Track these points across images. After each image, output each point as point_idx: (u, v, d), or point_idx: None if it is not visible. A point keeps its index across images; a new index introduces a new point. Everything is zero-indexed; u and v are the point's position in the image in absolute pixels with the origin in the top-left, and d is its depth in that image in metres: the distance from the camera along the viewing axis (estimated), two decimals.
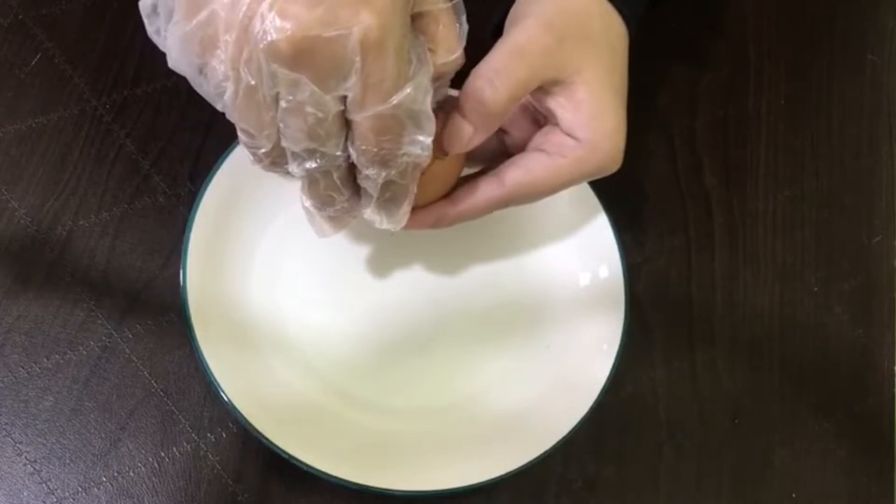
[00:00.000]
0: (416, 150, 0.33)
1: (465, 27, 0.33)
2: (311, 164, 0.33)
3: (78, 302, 0.44)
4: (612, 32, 0.40)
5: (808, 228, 0.56)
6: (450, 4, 0.32)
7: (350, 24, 0.28)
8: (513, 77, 0.36)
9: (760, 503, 0.49)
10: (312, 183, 0.35)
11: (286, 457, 0.40)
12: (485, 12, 0.45)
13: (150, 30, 0.32)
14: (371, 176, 0.34)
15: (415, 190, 0.36)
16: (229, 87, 0.30)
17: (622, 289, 0.47)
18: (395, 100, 0.30)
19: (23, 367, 0.43)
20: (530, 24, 0.37)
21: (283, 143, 0.32)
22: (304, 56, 0.28)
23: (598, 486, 0.47)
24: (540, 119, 0.41)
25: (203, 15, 0.29)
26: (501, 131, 0.42)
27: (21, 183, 0.46)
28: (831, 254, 0.56)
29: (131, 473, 0.42)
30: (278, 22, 0.28)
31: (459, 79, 0.36)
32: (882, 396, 0.54)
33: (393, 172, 0.33)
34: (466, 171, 0.41)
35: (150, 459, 0.42)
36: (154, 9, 0.31)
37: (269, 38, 0.28)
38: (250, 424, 0.40)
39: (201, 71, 0.31)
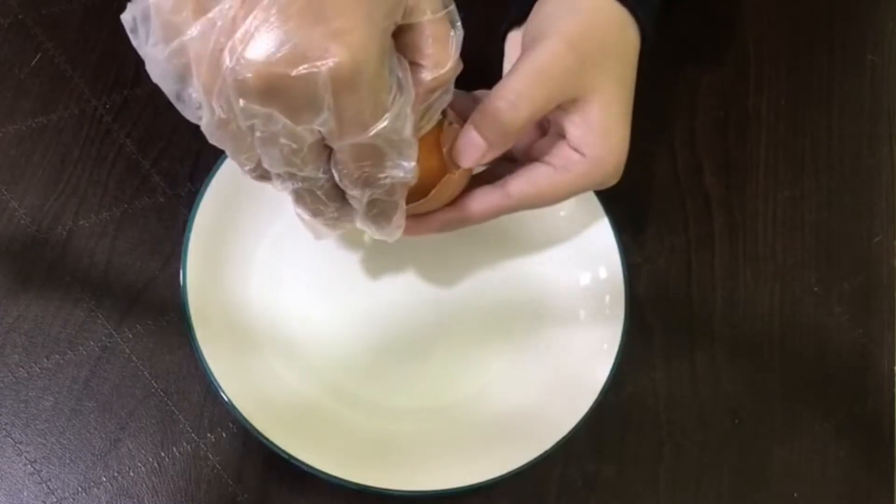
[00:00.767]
0: (399, 174, 0.32)
1: (461, 33, 0.32)
2: (294, 185, 0.33)
3: (78, 302, 0.44)
4: (628, 42, 0.40)
5: (808, 228, 0.56)
6: (440, 14, 0.31)
7: (319, 60, 0.27)
8: (534, 99, 0.36)
9: (760, 503, 0.49)
10: (299, 198, 0.34)
11: (286, 457, 0.40)
12: (483, 10, 0.45)
13: (135, 44, 0.32)
14: (355, 196, 0.33)
15: (404, 205, 0.35)
16: (204, 115, 0.30)
17: (622, 289, 0.47)
18: (372, 131, 0.29)
19: (23, 367, 0.43)
20: (554, 43, 0.37)
21: (264, 165, 0.32)
22: (274, 92, 0.27)
23: (598, 486, 0.47)
24: (545, 124, 0.41)
25: (175, 44, 0.29)
26: None
27: (21, 183, 0.46)
28: (831, 254, 0.56)
29: (131, 473, 0.42)
30: (246, 58, 0.27)
31: (460, 79, 0.36)
32: (882, 396, 0.54)
33: (378, 192, 0.33)
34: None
35: (150, 459, 0.42)
36: (135, 25, 0.31)
37: (237, 75, 0.27)
38: (250, 424, 0.40)
39: (178, 96, 0.31)
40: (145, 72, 0.31)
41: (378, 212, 0.35)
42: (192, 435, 0.43)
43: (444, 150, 0.37)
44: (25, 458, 0.41)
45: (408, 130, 0.31)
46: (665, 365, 0.50)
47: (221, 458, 0.43)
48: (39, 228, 0.45)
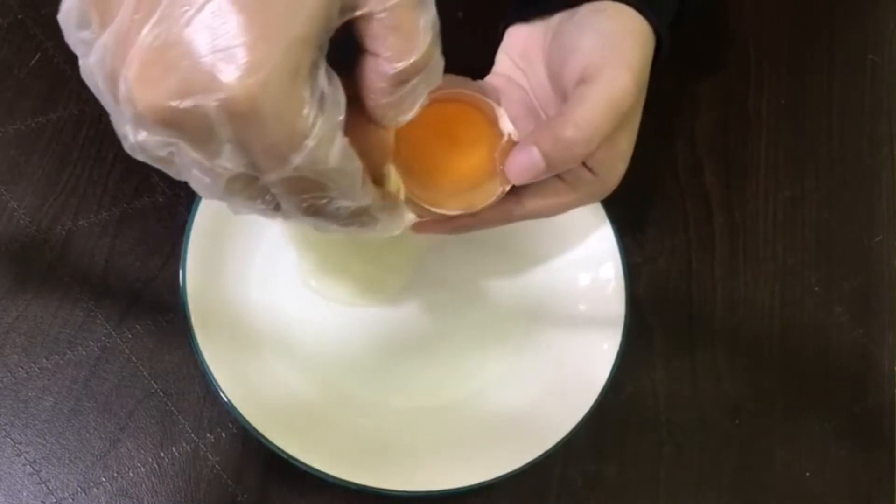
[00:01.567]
0: (347, 203, 0.28)
1: (431, 16, 0.27)
2: (245, 210, 0.29)
3: (77, 302, 0.44)
4: (651, 55, 0.39)
5: (809, 228, 0.56)
6: (395, 1, 0.26)
7: (209, 91, 0.23)
8: (605, 132, 0.36)
9: (760, 503, 0.49)
10: (263, 214, 0.30)
11: (286, 457, 0.40)
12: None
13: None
14: (316, 224, 0.29)
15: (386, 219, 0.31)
16: (123, 141, 0.27)
17: (622, 289, 0.47)
18: (295, 161, 0.25)
19: (22, 368, 0.43)
20: (625, 79, 0.36)
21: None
22: (171, 125, 0.24)
23: (598, 486, 0.47)
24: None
25: (81, 64, 0.26)
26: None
27: (21, 183, 0.46)
28: (831, 254, 0.56)
29: (131, 474, 0.42)
30: (135, 91, 0.24)
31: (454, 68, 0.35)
32: (882, 396, 0.54)
33: (336, 222, 0.29)
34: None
35: (150, 460, 0.42)
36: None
37: (131, 107, 0.24)
38: (250, 424, 0.40)
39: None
40: None
41: (360, 225, 0.31)
42: (192, 435, 0.43)
43: (500, 164, 0.38)
44: (25, 458, 0.41)
45: (335, 157, 0.26)
46: (665, 365, 0.50)
47: (221, 458, 0.43)
48: (39, 228, 0.45)
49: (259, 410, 0.41)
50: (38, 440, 0.42)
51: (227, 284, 0.44)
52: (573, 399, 0.45)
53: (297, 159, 0.25)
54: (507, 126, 0.38)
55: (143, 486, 0.42)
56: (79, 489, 0.41)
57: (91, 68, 0.25)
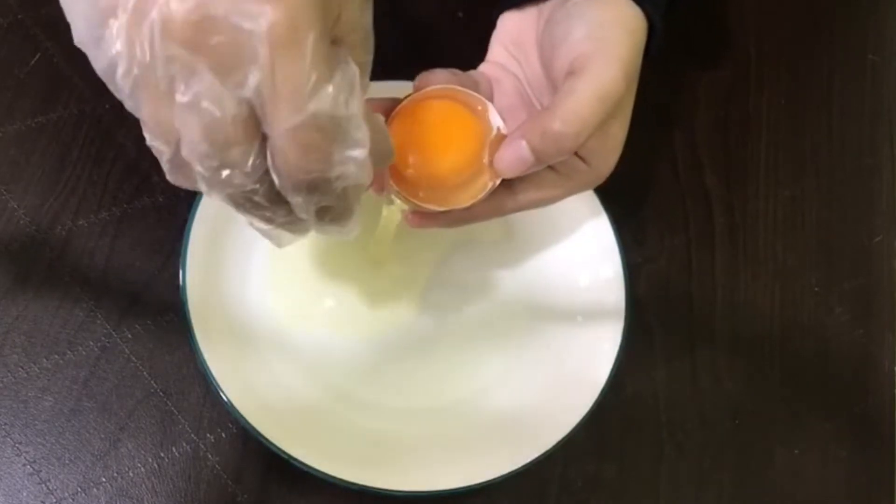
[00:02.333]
0: (351, 169, 0.28)
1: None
2: (224, 190, 0.28)
3: (77, 302, 0.44)
4: (642, 44, 0.39)
5: (809, 228, 0.56)
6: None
7: (259, 10, 0.24)
8: (594, 125, 0.36)
9: (760, 503, 0.49)
10: (237, 205, 0.30)
11: (286, 457, 0.40)
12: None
13: None
14: (299, 203, 0.29)
15: (359, 209, 0.31)
16: (121, 64, 0.26)
17: (622, 289, 0.47)
18: (312, 105, 0.25)
19: (22, 368, 0.43)
20: (615, 71, 0.36)
21: (183, 153, 0.28)
22: (203, 38, 0.24)
23: (598, 486, 0.47)
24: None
25: None
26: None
27: (21, 183, 0.46)
28: (831, 254, 0.56)
29: (130, 474, 0.42)
30: None
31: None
32: (882, 396, 0.54)
33: (327, 199, 0.29)
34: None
35: (150, 460, 0.42)
36: None
37: (165, 10, 0.24)
38: (250, 424, 0.40)
39: (98, 43, 0.27)
40: None
41: (332, 218, 0.31)
42: (192, 435, 0.43)
43: (488, 157, 0.37)
44: (25, 458, 0.41)
45: (354, 105, 0.27)
46: (665, 365, 0.50)
47: (221, 458, 0.43)
48: (39, 228, 0.45)
49: (259, 410, 0.41)
50: (38, 440, 0.42)
51: (227, 284, 0.44)
52: (573, 399, 0.45)
53: (319, 99, 0.25)
54: (496, 120, 0.38)
55: (143, 486, 0.42)
56: (79, 489, 0.41)
57: None
